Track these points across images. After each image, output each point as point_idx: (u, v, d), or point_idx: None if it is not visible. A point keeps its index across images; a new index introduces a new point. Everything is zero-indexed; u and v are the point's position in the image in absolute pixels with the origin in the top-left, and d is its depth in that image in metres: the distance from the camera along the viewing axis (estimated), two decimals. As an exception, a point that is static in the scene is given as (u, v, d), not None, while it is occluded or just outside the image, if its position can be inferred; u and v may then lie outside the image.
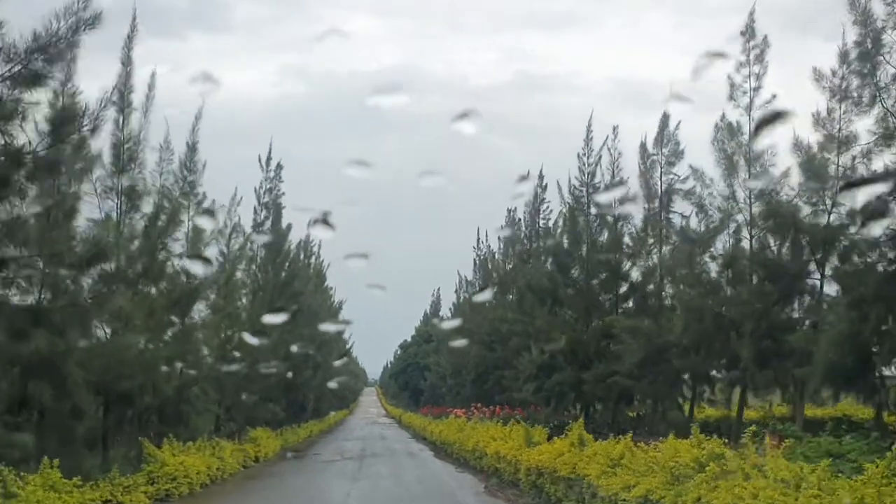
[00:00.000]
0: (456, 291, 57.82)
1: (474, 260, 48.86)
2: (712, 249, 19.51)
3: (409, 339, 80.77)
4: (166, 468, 16.43)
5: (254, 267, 29.61)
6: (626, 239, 24.94)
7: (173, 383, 18.64)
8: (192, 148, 21.30)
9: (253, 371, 24.72)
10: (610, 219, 25.98)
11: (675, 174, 22.80)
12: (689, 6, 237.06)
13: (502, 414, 30.55)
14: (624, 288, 24.95)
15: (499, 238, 44.93)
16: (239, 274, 26.99)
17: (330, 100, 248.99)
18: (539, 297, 28.68)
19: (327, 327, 46.44)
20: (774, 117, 3.69)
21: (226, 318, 22.78)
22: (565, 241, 27.58)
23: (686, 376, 20.47)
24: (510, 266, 42.55)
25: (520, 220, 41.06)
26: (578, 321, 27.34)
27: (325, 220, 4.59)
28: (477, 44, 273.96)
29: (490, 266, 45.95)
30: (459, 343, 28.64)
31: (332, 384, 42.51)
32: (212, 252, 21.91)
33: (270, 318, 26.70)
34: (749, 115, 18.33)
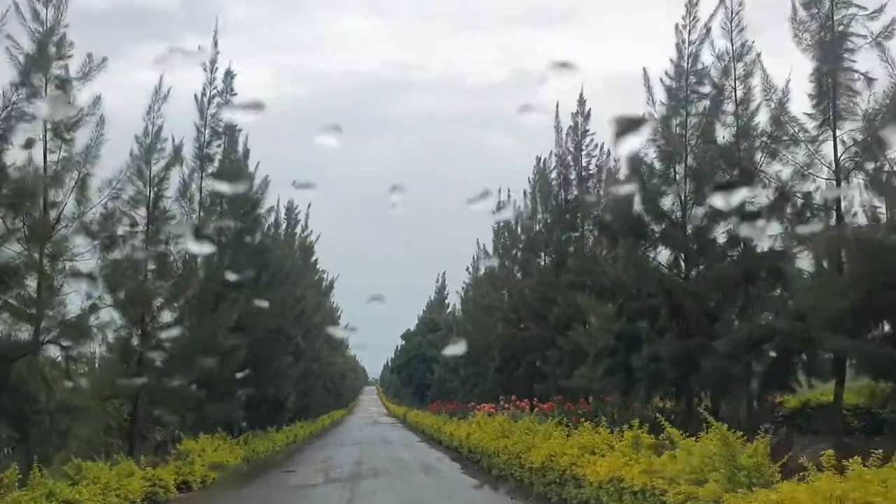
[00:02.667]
0: (468, 269, 49.31)
1: (493, 228, 40.68)
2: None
3: (412, 329, 73.15)
4: None
5: (194, 205, 20.67)
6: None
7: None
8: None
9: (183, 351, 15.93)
10: (730, 108, 17.04)
11: (858, 5, 13.85)
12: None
13: (558, 409, 21.63)
14: (762, 202, 15.91)
15: (525, 193, 35.86)
16: (169, 204, 18.07)
17: (326, 99, 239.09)
18: (611, 237, 19.75)
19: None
20: None
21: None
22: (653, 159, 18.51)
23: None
24: (539, 226, 34.10)
25: (552, 169, 32.52)
26: (676, 266, 18.45)
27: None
28: (475, 43, 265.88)
29: (516, 225, 37.19)
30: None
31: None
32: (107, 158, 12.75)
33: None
34: None
